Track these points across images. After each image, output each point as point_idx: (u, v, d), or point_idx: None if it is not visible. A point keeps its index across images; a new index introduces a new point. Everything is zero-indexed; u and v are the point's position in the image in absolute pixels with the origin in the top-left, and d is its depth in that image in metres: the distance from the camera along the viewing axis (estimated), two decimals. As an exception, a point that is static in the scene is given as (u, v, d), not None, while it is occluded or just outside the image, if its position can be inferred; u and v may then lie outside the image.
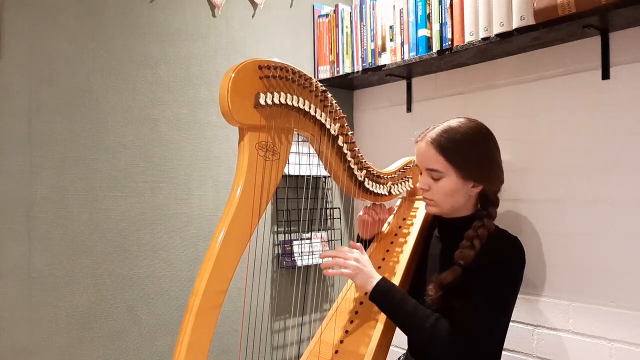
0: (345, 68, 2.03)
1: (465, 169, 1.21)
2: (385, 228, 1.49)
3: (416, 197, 1.53)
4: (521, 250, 1.22)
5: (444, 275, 1.18)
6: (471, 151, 1.22)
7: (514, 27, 1.46)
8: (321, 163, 1.26)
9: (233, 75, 0.97)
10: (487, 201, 1.26)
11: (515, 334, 1.66)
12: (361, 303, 1.34)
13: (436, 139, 1.22)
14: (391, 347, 1.27)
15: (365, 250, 1.44)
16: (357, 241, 1.48)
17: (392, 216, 1.52)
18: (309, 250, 2.00)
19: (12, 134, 1.42)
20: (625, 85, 1.43)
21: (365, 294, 1.22)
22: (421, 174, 1.29)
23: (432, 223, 1.41)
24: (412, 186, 1.50)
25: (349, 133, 1.22)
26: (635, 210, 1.41)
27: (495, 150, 1.26)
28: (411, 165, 1.48)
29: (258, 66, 1.01)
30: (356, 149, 1.26)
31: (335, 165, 1.25)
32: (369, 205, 1.44)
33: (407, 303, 1.18)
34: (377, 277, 1.21)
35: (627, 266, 1.42)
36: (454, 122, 1.24)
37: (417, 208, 1.48)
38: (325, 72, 2.10)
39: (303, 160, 1.97)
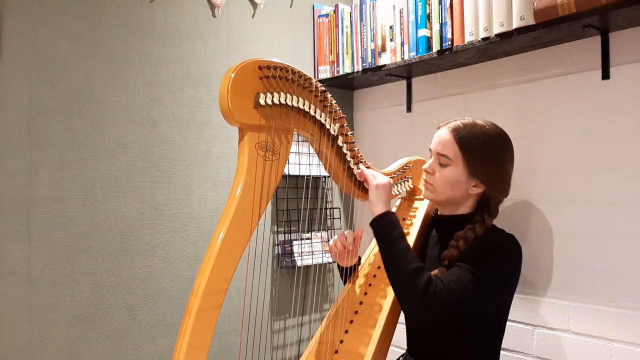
0: (345, 68, 2.02)
1: (474, 165, 1.22)
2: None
3: (416, 197, 1.53)
4: (516, 246, 1.22)
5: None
6: (486, 151, 1.23)
7: (514, 27, 1.46)
8: (321, 163, 1.26)
9: (233, 75, 0.98)
10: (486, 207, 1.25)
11: (515, 334, 1.66)
12: (361, 303, 1.34)
13: (457, 129, 1.24)
14: (391, 347, 1.27)
15: (358, 265, 1.44)
16: (340, 271, 1.47)
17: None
18: (309, 250, 2.00)
19: (12, 134, 1.42)
20: (625, 85, 1.43)
21: (371, 224, 1.22)
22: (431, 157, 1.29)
23: (430, 223, 1.41)
24: (411, 186, 1.50)
25: (349, 133, 1.23)
26: (635, 210, 1.41)
27: (509, 161, 1.27)
28: (411, 165, 1.48)
29: (258, 66, 1.01)
30: (356, 149, 1.26)
31: (335, 165, 1.25)
32: (335, 237, 1.40)
33: (404, 242, 1.18)
34: (389, 208, 1.23)
35: (627, 266, 1.42)
36: (480, 121, 1.26)
37: (417, 208, 1.48)
38: (325, 72, 2.10)
39: (303, 160, 1.97)
